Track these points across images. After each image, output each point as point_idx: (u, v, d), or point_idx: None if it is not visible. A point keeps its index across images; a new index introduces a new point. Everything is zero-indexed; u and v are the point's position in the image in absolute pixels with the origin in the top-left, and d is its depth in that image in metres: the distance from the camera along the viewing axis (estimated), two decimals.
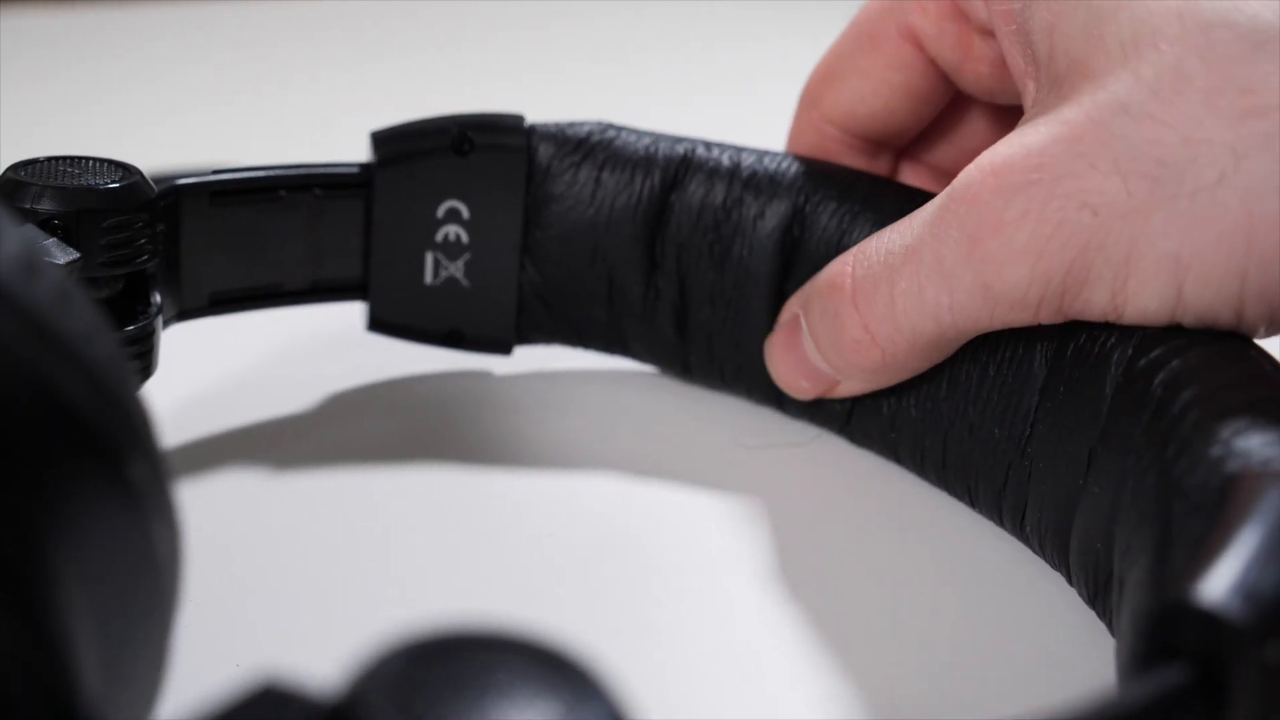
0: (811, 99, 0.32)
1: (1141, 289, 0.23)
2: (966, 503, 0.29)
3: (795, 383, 0.30)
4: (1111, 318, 0.24)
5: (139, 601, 0.16)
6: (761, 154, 0.31)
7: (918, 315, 0.26)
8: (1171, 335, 0.24)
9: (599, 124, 0.32)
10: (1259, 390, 0.22)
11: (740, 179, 0.31)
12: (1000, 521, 0.28)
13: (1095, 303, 0.24)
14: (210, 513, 0.28)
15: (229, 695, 0.13)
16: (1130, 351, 0.24)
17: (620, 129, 0.32)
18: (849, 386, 0.29)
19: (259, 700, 0.13)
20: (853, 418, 0.30)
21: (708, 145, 0.31)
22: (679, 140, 0.31)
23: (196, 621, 0.24)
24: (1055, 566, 0.27)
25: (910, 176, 0.33)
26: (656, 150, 0.31)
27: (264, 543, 0.27)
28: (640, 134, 0.32)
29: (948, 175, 0.28)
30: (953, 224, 0.25)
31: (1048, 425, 0.26)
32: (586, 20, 0.71)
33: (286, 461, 0.30)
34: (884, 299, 0.26)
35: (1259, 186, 0.22)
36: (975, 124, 0.32)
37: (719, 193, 0.31)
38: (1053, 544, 0.26)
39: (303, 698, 0.13)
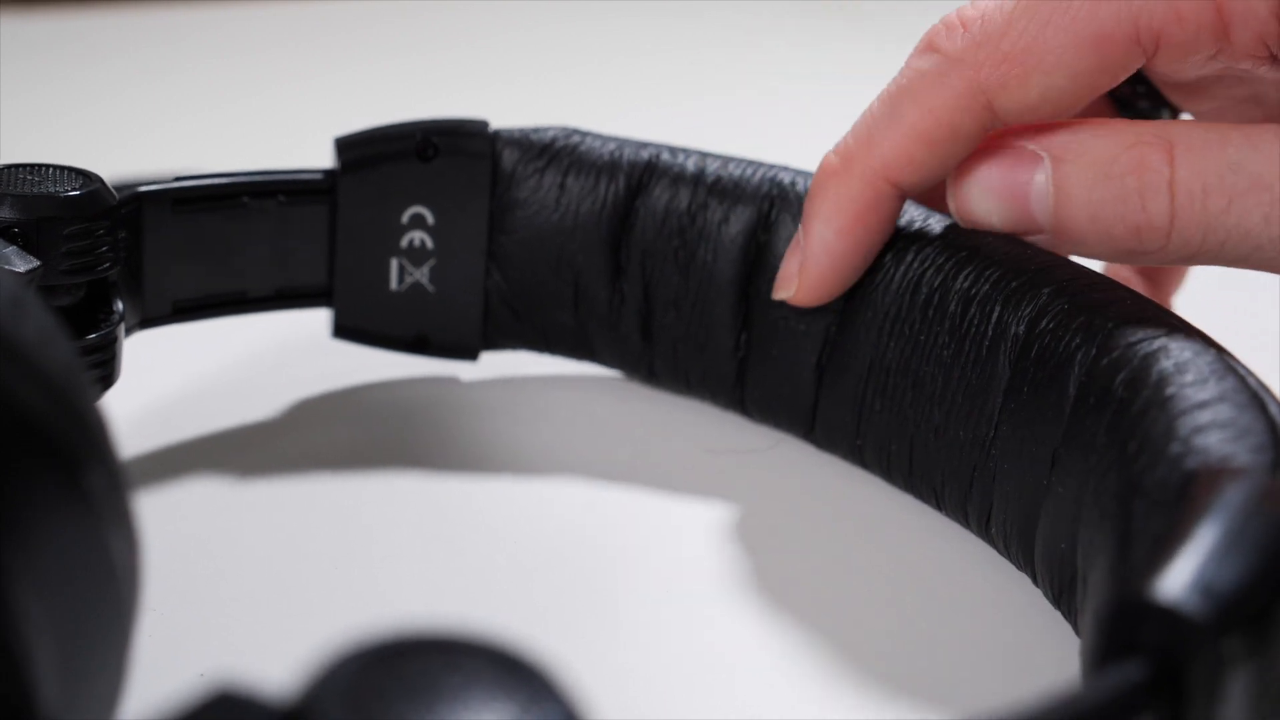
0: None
1: None
2: (933, 505, 0.29)
3: (984, 210, 0.27)
4: None
5: (97, 610, 0.16)
6: (726, 160, 0.31)
7: (1245, 236, 0.25)
8: (1133, 335, 0.24)
9: (563, 129, 0.32)
10: (1219, 388, 0.22)
11: (705, 184, 0.31)
12: (966, 523, 0.28)
13: None
14: (175, 520, 0.28)
15: (184, 701, 0.13)
16: (1094, 351, 0.24)
17: (585, 134, 0.32)
18: (1048, 242, 0.27)
19: (214, 705, 0.13)
20: (817, 422, 0.30)
21: (673, 150, 0.31)
22: (644, 145, 0.32)
23: (161, 630, 0.24)
24: (1021, 567, 0.27)
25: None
26: (621, 155, 0.31)
27: (230, 550, 0.27)
28: (605, 139, 0.32)
29: None
30: None
31: (1012, 426, 0.26)
32: (552, 26, 0.71)
33: (252, 469, 0.30)
34: (1217, 204, 0.25)
35: None
36: None
37: (684, 198, 0.31)
38: (1018, 544, 0.26)
39: (258, 703, 0.13)
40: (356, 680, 0.12)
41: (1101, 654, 0.17)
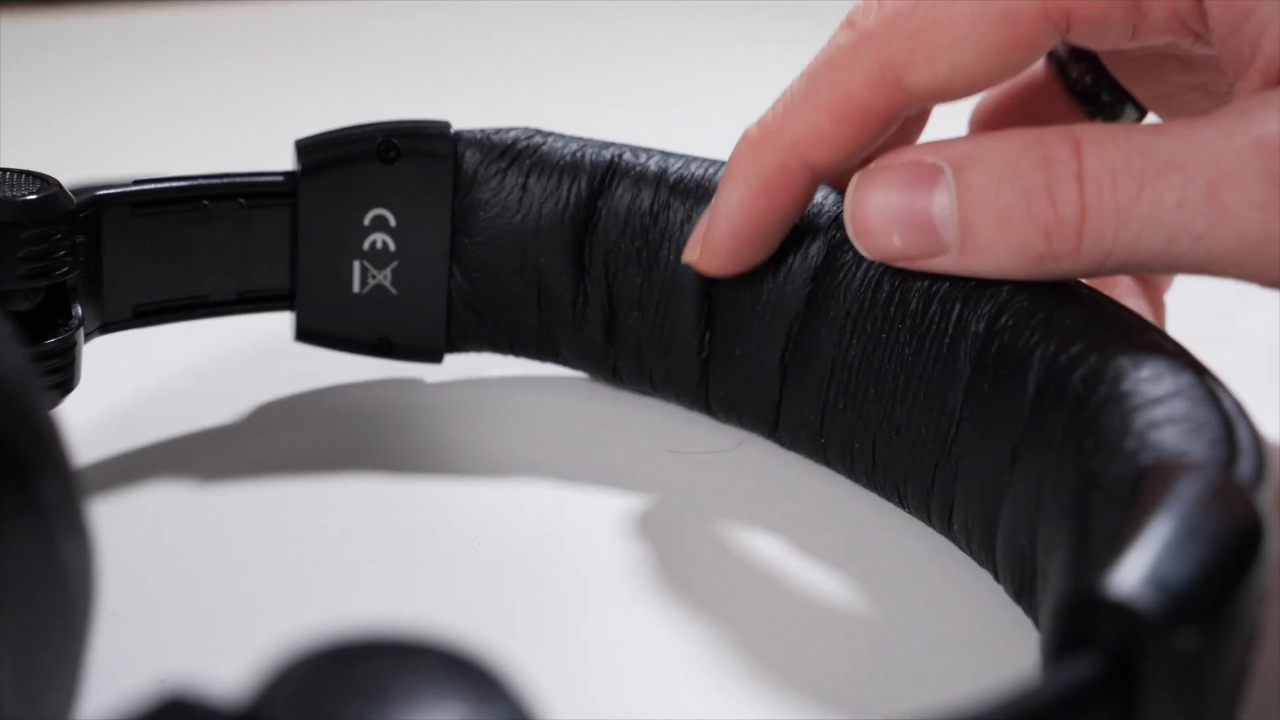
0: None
1: None
2: (896, 503, 0.29)
3: (885, 233, 0.26)
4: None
5: (49, 619, 0.16)
6: (688, 159, 0.31)
7: (1159, 225, 0.24)
8: (1091, 332, 0.24)
9: (525, 130, 0.32)
10: (1174, 383, 0.22)
11: (667, 184, 0.31)
12: (929, 520, 0.28)
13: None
14: (138, 524, 0.28)
15: (134, 708, 0.13)
16: (1052, 348, 0.25)
17: (547, 135, 0.32)
18: (955, 262, 0.26)
19: (165, 711, 0.13)
20: (781, 421, 0.30)
21: (634, 151, 0.31)
22: (606, 145, 0.32)
23: (123, 634, 0.24)
24: (983, 563, 0.27)
25: None
26: (583, 156, 0.31)
27: (193, 554, 0.27)
28: (567, 139, 0.32)
29: None
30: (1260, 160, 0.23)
31: (972, 423, 0.26)
32: (518, 28, 0.71)
33: (215, 473, 0.30)
34: (1127, 192, 0.24)
35: None
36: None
37: (646, 198, 0.31)
38: (980, 541, 0.27)
39: (208, 707, 0.13)
40: (306, 682, 0.12)
41: (1056, 649, 0.17)
